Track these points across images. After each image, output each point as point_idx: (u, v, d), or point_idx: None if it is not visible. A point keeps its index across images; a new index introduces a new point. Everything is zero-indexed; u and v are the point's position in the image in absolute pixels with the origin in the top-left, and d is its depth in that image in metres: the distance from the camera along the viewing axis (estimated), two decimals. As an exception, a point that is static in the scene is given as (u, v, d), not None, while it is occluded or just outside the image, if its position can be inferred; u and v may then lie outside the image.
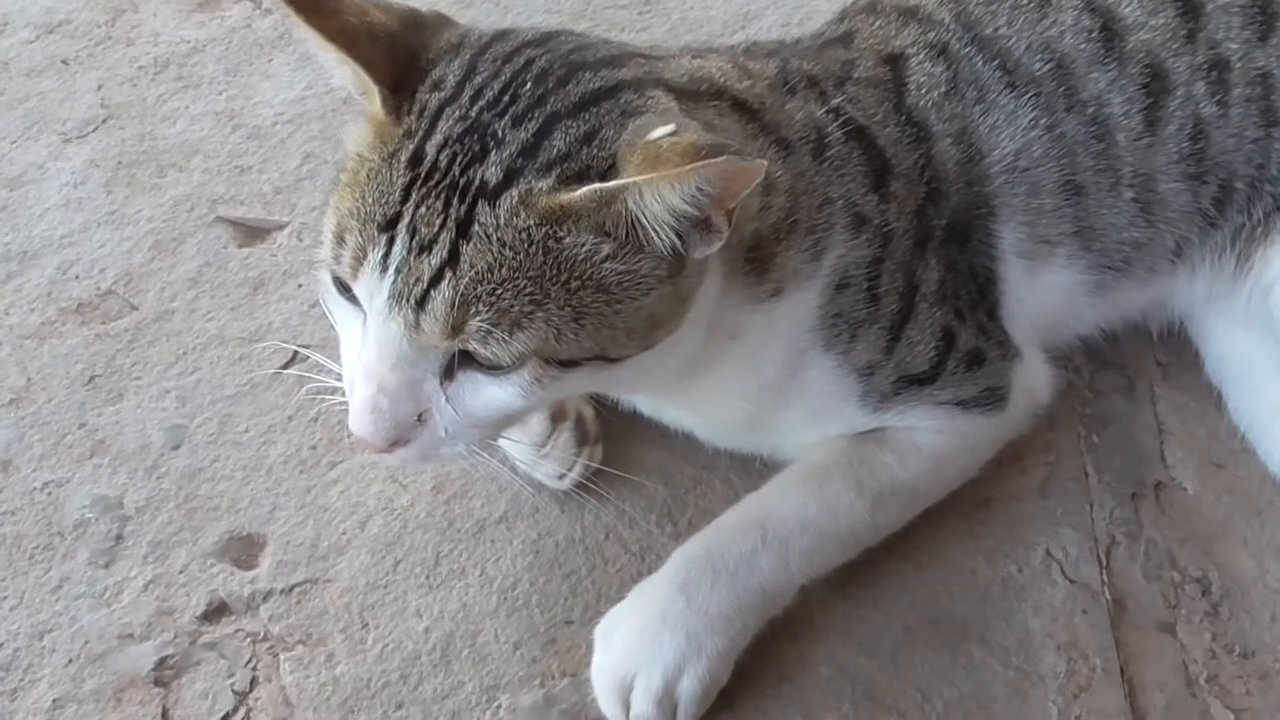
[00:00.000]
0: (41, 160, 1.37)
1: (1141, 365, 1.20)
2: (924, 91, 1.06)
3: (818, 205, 0.97)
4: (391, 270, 0.83)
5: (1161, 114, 1.07)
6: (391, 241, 0.83)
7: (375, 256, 0.84)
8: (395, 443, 0.87)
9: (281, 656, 1.01)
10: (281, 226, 1.32)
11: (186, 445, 1.14)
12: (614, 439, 1.11)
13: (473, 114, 0.86)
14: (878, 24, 1.10)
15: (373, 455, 0.93)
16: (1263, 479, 1.11)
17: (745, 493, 1.03)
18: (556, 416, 1.08)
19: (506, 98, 0.86)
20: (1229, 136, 1.08)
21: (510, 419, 0.92)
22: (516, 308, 0.83)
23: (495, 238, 0.82)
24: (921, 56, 1.07)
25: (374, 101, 0.87)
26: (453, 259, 0.82)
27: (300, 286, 1.25)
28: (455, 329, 0.83)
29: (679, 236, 0.83)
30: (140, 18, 1.52)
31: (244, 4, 1.52)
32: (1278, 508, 1.10)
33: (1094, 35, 1.08)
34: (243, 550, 1.08)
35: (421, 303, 0.83)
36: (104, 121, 1.42)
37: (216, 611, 1.04)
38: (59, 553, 1.07)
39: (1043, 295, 1.10)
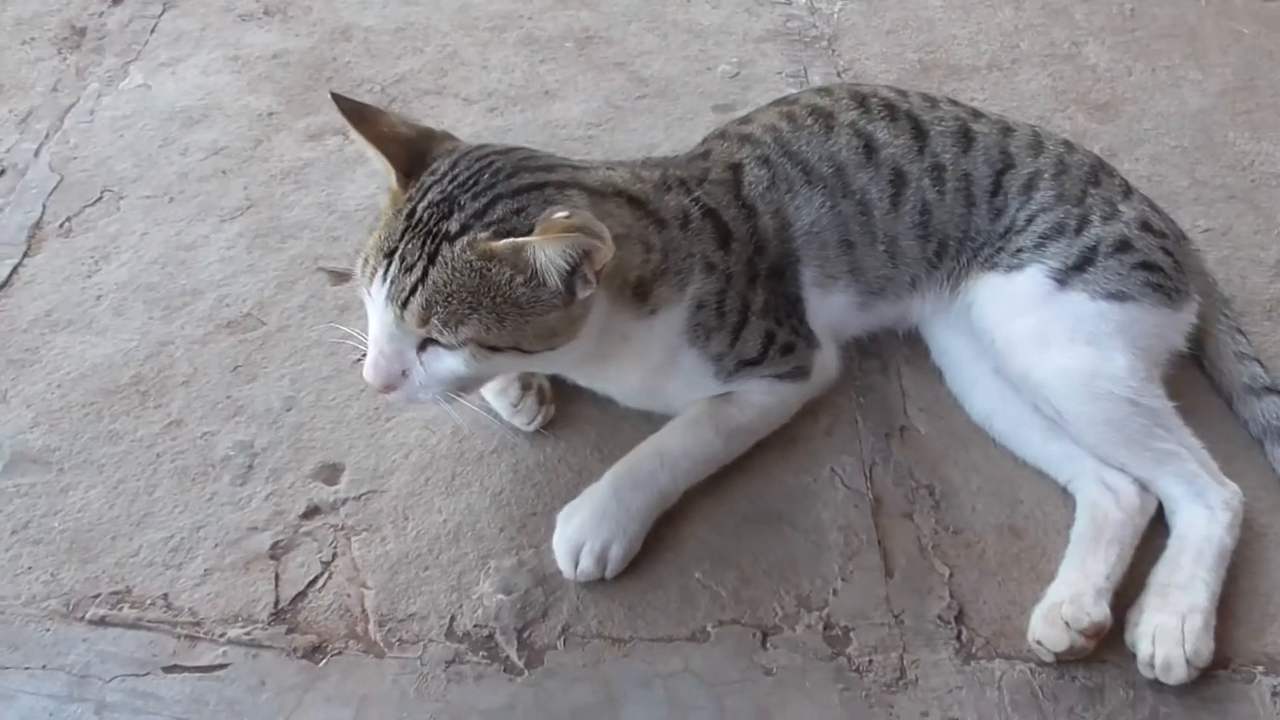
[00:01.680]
0: (207, 233, 1.37)
1: (892, 355, 1.21)
2: (754, 186, 1.06)
3: (682, 258, 0.99)
4: (389, 282, 0.86)
5: (902, 198, 1.09)
6: (389, 264, 0.86)
7: (380, 272, 0.87)
8: (389, 388, 0.89)
9: (352, 539, 1.03)
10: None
11: (295, 409, 1.15)
12: (563, 400, 1.12)
13: (449, 189, 0.88)
14: (726, 145, 1.11)
15: (378, 395, 0.94)
16: (967, 424, 1.14)
17: (647, 434, 1.05)
18: (526, 386, 1.08)
19: (471, 181, 0.88)
20: (945, 212, 1.09)
21: (462, 381, 0.91)
22: (461, 310, 0.85)
23: (450, 265, 0.84)
24: (752, 164, 1.08)
25: (393, 179, 0.90)
26: (424, 277, 0.85)
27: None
28: (423, 321, 0.85)
29: (563, 280, 0.85)
30: (272, 145, 1.52)
31: (338, 137, 1.50)
32: (977, 443, 1.12)
33: (859, 150, 1.09)
34: (329, 474, 1.09)
35: (404, 304, 0.85)
36: (247, 208, 1.41)
37: (312, 512, 1.05)
38: (211, 476, 1.08)
39: (830, 309, 1.11)
